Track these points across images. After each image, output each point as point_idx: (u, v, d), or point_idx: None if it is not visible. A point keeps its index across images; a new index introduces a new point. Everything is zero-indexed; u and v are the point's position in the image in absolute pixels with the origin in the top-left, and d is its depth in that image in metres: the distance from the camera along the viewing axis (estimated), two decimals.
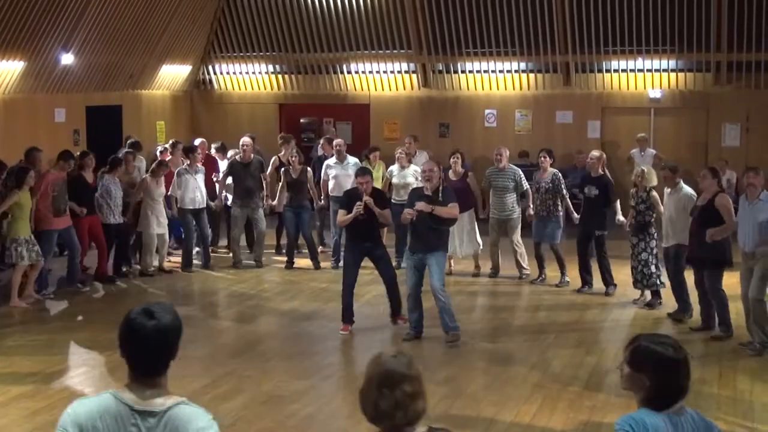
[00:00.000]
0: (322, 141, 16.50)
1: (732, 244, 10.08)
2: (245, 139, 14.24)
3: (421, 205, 9.85)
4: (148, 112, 19.01)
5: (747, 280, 9.69)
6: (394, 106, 19.36)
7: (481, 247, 13.33)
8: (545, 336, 10.45)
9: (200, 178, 14.08)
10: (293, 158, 13.89)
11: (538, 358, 9.57)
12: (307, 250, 14.24)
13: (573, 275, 12.75)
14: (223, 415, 7.67)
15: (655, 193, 11.40)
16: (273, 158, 14.67)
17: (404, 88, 19.27)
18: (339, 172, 14.09)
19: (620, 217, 12.30)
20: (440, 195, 9.92)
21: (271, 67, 19.80)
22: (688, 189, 10.88)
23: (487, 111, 18.90)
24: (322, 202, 14.38)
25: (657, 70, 17.82)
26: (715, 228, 9.82)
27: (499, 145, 13.97)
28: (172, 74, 19.37)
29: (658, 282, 11.42)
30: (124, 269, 13.53)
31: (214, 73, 20.27)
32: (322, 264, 14.05)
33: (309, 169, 14.24)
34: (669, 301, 11.30)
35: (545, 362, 9.40)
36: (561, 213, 12.88)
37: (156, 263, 13.77)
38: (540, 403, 8.11)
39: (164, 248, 13.88)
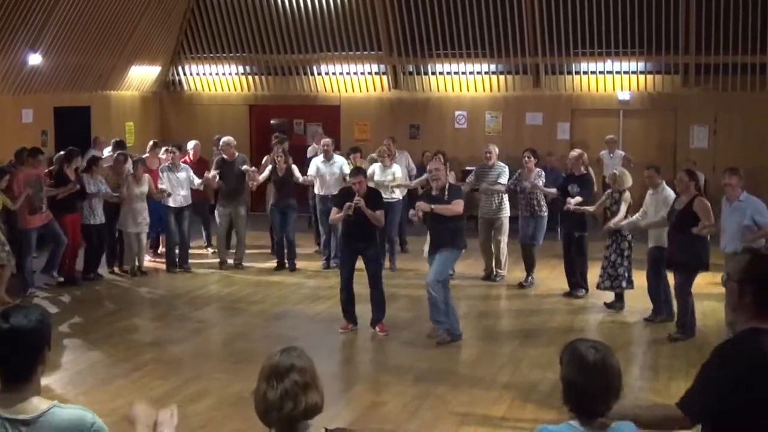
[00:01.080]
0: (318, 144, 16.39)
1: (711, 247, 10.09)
2: (227, 139, 14.19)
3: (421, 205, 10.01)
4: (117, 113, 18.87)
5: None
6: (364, 108, 19.35)
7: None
8: (514, 337, 10.49)
9: (183, 177, 13.93)
10: (278, 157, 13.86)
11: (508, 358, 9.60)
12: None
13: (554, 275, 12.68)
14: (193, 417, 7.63)
15: (627, 195, 11.37)
16: (266, 157, 14.60)
17: (374, 90, 19.27)
18: (325, 171, 14.08)
19: (588, 208, 11.92)
20: (446, 193, 10.01)
21: (241, 68, 19.73)
22: (669, 191, 10.78)
23: (457, 112, 18.94)
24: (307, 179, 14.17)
25: (626, 72, 17.93)
26: (702, 225, 9.75)
27: (487, 144, 13.89)
28: (142, 75, 19.25)
29: (623, 285, 11.32)
30: (92, 275, 13.37)
31: (184, 74, 20.17)
32: (315, 264, 14.20)
33: (295, 167, 14.14)
34: (636, 305, 11.30)
35: (514, 363, 9.43)
36: (545, 213, 12.90)
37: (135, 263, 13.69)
38: (509, 404, 8.14)
39: (141, 248, 13.77)
